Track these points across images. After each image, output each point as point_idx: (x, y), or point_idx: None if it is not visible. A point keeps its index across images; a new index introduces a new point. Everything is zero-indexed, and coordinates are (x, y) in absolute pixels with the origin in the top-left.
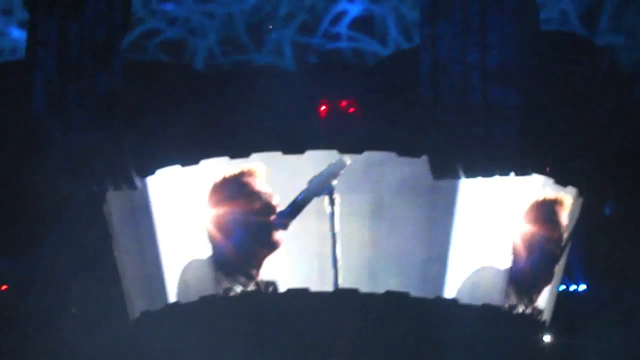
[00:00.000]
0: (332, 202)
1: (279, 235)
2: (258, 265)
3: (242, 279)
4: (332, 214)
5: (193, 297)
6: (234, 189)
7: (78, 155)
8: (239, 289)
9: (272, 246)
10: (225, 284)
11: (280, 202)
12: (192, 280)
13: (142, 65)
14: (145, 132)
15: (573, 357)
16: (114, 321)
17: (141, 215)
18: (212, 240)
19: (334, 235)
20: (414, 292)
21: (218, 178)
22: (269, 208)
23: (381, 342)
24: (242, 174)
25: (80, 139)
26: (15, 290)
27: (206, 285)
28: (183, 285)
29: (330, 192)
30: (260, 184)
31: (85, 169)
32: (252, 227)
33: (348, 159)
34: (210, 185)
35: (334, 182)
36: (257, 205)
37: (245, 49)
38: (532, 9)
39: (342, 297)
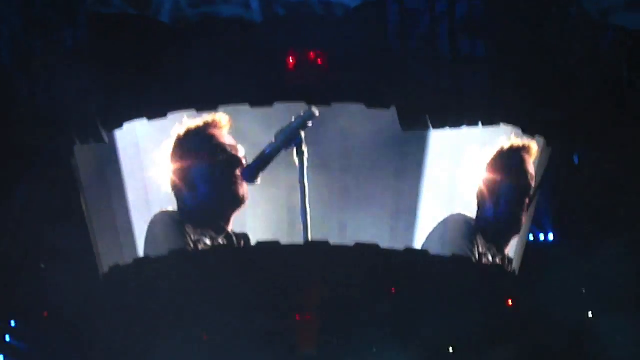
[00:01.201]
0: (300, 154)
1: (244, 189)
2: (227, 219)
3: (212, 233)
4: (302, 166)
5: (162, 251)
6: (197, 141)
7: (44, 109)
8: (208, 242)
9: (239, 200)
10: (195, 237)
11: (246, 155)
12: (160, 234)
13: (108, 18)
14: (111, 85)
15: (541, 307)
16: (83, 276)
17: (109, 169)
18: (178, 194)
19: (303, 188)
20: (384, 244)
21: (181, 130)
22: (233, 160)
23: (351, 293)
24: (205, 126)
25: (47, 93)
26: None
27: (175, 239)
28: (151, 239)
29: (298, 144)
30: (225, 135)
31: (52, 123)
32: (217, 181)
33: (316, 110)
34: (174, 138)
35: (302, 134)
36: (221, 157)
37: (212, 1)
38: None
39: (312, 249)
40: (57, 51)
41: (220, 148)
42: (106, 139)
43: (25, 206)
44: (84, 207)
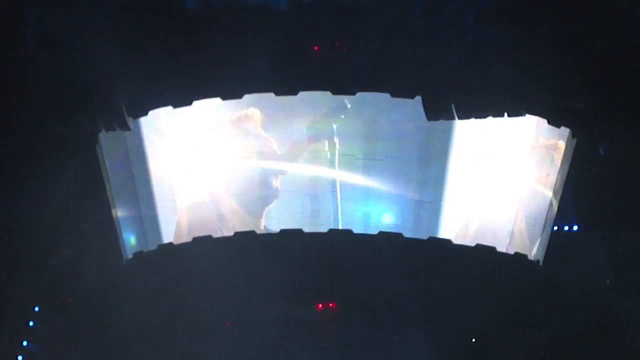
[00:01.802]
0: (332, 146)
1: (279, 180)
2: (262, 206)
3: (248, 220)
4: (333, 157)
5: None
6: (233, 133)
7: (70, 96)
8: (238, 226)
9: (273, 191)
10: (227, 226)
11: (283, 146)
12: (192, 222)
13: (134, 4)
14: (137, 72)
15: (565, 296)
16: (107, 262)
17: (134, 156)
18: (212, 184)
19: (334, 179)
20: (407, 233)
21: (216, 122)
22: (267, 153)
23: (375, 281)
24: (240, 119)
25: (72, 79)
26: (11, 228)
27: (209, 227)
28: (182, 227)
29: (330, 136)
30: (258, 128)
31: (77, 109)
32: (250, 172)
33: (348, 103)
34: (207, 129)
35: (334, 126)
36: (255, 149)
37: None
38: None
39: (336, 238)
40: (83, 36)
41: (255, 140)
42: (131, 126)
43: (50, 192)
44: (108, 193)
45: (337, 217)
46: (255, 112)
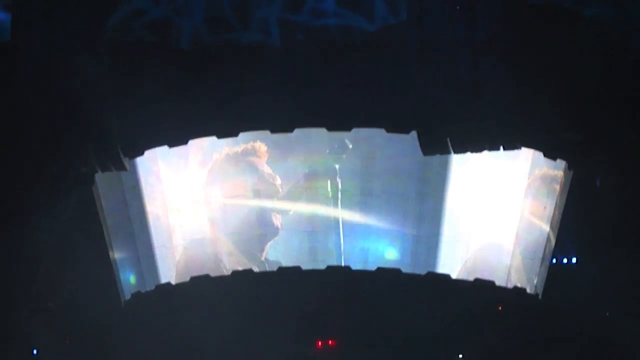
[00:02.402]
0: (334, 186)
1: (280, 218)
2: (260, 244)
3: (245, 260)
4: (336, 196)
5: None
6: (239, 168)
7: (65, 136)
8: (240, 268)
9: (274, 227)
10: (228, 265)
11: (282, 183)
12: (191, 261)
13: (128, 45)
14: (132, 112)
15: (565, 328)
16: (106, 303)
17: (131, 197)
18: (214, 220)
19: (337, 218)
20: (406, 268)
21: (220, 156)
22: (272, 190)
23: (374, 318)
24: (246, 152)
25: (67, 120)
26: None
27: (207, 266)
28: (181, 266)
29: (333, 176)
30: (264, 164)
31: (73, 151)
32: (248, 210)
33: (349, 143)
34: (211, 163)
35: (337, 167)
36: (261, 186)
37: (231, 28)
38: None
39: (335, 275)
40: (78, 78)
41: (261, 176)
42: (127, 166)
43: (47, 233)
44: (105, 234)
45: (340, 253)
46: (261, 146)
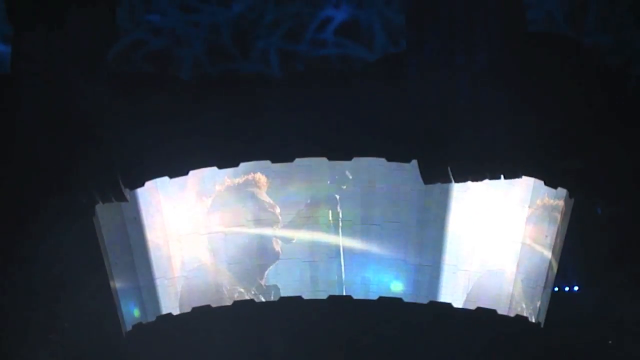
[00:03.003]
0: (335, 215)
1: (281, 247)
2: (261, 274)
3: (246, 289)
4: (336, 225)
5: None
6: (239, 197)
7: (66, 168)
8: (242, 291)
9: (274, 256)
10: (228, 292)
11: (282, 213)
12: (192, 292)
13: (129, 76)
14: (132, 143)
15: (567, 356)
16: (107, 334)
17: (132, 227)
18: (214, 249)
19: (338, 247)
20: (408, 297)
21: (221, 187)
22: (273, 219)
23: (376, 347)
24: (246, 183)
25: (68, 152)
26: (7, 303)
27: (209, 296)
28: (184, 297)
29: (334, 205)
30: (264, 194)
31: (74, 182)
32: (249, 240)
33: (349, 174)
34: (213, 193)
35: (337, 197)
36: (262, 215)
37: (232, 58)
38: (519, 10)
39: (336, 304)
40: (78, 110)
41: (262, 206)
42: (128, 197)
43: (48, 265)
44: (106, 265)
45: (341, 282)
46: (261, 177)
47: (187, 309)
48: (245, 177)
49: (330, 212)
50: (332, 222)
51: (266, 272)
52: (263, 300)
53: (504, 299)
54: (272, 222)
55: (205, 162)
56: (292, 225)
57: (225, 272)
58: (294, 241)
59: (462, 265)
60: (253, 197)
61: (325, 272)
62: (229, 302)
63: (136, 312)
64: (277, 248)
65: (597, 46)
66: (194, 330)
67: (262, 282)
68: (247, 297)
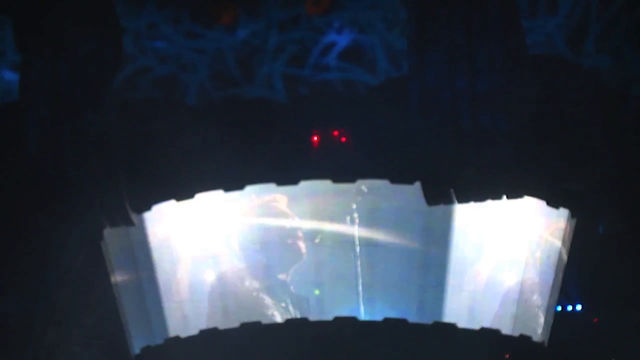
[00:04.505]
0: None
1: (282, 270)
2: (268, 296)
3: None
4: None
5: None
6: (266, 213)
7: (73, 194)
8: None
9: (277, 281)
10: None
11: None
12: (198, 315)
13: (135, 102)
14: (139, 168)
15: None
16: (115, 357)
17: (139, 251)
18: (220, 271)
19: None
20: (412, 318)
21: (243, 209)
22: (277, 241)
23: None
24: (269, 201)
25: (75, 178)
26: (17, 329)
27: (213, 319)
28: (188, 320)
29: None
30: (285, 207)
31: (81, 207)
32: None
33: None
34: (237, 218)
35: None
36: (266, 238)
37: (236, 83)
38: (519, 33)
39: (341, 325)
40: (84, 136)
41: (284, 216)
42: (135, 221)
43: (56, 290)
44: (114, 289)
45: (347, 304)
46: (280, 197)
47: (195, 332)
48: (254, 198)
49: (335, 234)
50: (335, 242)
51: (273, 294)
52: (269, 322)
53: (508, 318)
54: (278, 244)
55: (211, 185)
56: (295, 244)
57: (232, 293)
58: (299, 261)
59: (466, 285)
60: (259, 218)
61: (330, 293)
62: (236, 324)
63: (139, 334)
64: (284, 269)
65: (597, 68)
66: (201, 352)
67: (268, 304)
68: (254, 319)
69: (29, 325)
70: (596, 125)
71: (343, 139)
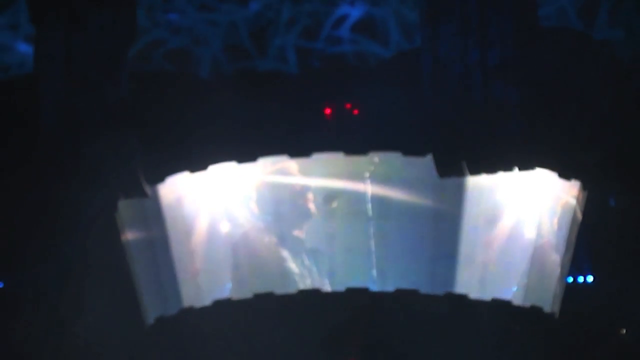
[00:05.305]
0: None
1: (295, 241)
2: (280, 267)
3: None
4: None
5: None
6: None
7: (88, 166)
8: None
9: (293, 249)
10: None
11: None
12: (212, 285)
13: (148, 74)
14: (153, 140)
15: (582, 350)
16: (130, 328)
17: (153, 223)
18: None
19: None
20: (424, 289)
21: (257, 178)
22: (291, 214)
23: (393, 338)
24: (282, 169)
25: (90, 149)
26: (33, 299)
27: (227, 290)
28: (202, 290)
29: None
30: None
31: (96, 179)
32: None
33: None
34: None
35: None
36: (280, 210)
37: (249, 56)
38: (531, 6)
39: (353, 296)
40: (99, 108)
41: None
42: (149, 193)
43: (71, 261)
44: (128, 260)
45: (359, 275)
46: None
47: (209, 302)
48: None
49: (346, 206)
50: (348, 214)
51: (285, 265)
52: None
53: (519, 289)
54: (291, 218)
55: (224, 157)
56: (310, 218)
57: (245, 264)
58: (309, 235)
59: (478, 257)
60: (271, 191)
61: (342, 265)
62: (249, 295)
63: (153, 305)
64: (296, 240)
65: (609, 41)
66: (215, 323)
67: (282, 275)
68: (267, 290)
69: (43, 296)
70: (608, 97)
71: (355, 112)
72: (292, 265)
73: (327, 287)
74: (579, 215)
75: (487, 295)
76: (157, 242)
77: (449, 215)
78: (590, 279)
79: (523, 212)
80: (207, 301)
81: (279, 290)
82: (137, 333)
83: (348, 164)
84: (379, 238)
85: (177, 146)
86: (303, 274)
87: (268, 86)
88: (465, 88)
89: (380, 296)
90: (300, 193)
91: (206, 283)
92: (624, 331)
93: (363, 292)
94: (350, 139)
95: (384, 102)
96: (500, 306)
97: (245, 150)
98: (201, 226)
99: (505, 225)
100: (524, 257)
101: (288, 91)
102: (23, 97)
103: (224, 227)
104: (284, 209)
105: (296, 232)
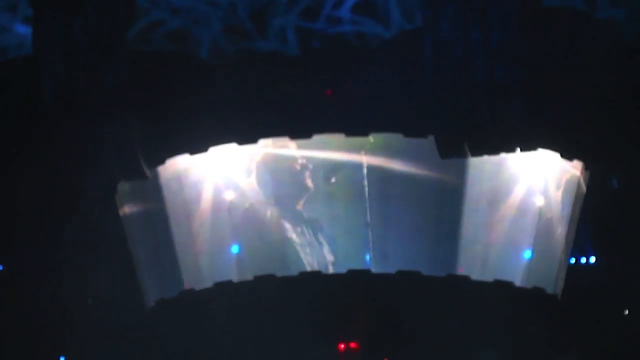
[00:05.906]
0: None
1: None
2: (282, 247)
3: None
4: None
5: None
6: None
7: (88, 147)
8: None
9: (295, 232)
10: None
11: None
12: (212, 267)
13: (148, 55)
14: (153, 122)
15: (585, 330)
16: (130, 310)
17: (153, 204)
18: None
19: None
20: (426, 271)
21: (257, 155)
22: (292, 195)
23: (395, 320)
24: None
25: (90, 131)
26: (33, 281)
27: (227, 272)
28: (202, 272)
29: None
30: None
31: (96, 161)
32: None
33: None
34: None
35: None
36: (281, 191)
37: (249, 36)
38: None
39: (355, 279)
40: (99, 90)
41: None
42: (149, 174)
43: (72, 243)
44: (128, 242)
45: (360, 256)
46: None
47: (209, 284)
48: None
49: (347, 188)
50: (349, 195)
51: (287, 246)
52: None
53: (521, 270)
54: (293, 198)
55: (225, 138)
56: (312, 199)
57: (245, 246)
58: (310, 214)
59: (480, 238)
60: (272, 173)
61: (344, 247)
62: (250, 277)
63: (153, 287)
64: (296, 223)
65: (611, 20)
66: (216, 305)
67: (283, 256)
68: (267, 272)
69: (44, 278)
70: (610, 77)
71: (357, 93)
72: (293, 236)
73: (328, 257)
74: (581, 197)
75: (490, 277)
76: (157, 224)
77: (451, 197)
78: (592, 260)
79: (525, 193)
80: (207, 283)
81: (281, 262)
82: (138, 315)
83: (348, 147)
84: (380, 219)
85: (177, 128)
86: (303, 244)
87: (268, 67)
88: (467, 69)
89: (382, 278)
90: (300, 168)
91: (207, 265)
92: (627, 312)
93: (365, 273)
94: (352, 120)
95: (385, 83)
96: (502, 287)
97: (246, 132)
98: (202, 203)
99: (507, 206)
100: (527, 238)
101: (288, 72)
102: (21, 79)
103: (225, 202)
104: (283, 181)
105: (296, 205)
